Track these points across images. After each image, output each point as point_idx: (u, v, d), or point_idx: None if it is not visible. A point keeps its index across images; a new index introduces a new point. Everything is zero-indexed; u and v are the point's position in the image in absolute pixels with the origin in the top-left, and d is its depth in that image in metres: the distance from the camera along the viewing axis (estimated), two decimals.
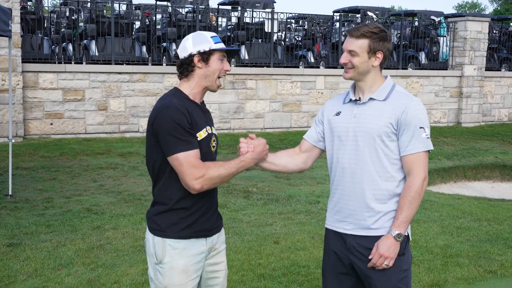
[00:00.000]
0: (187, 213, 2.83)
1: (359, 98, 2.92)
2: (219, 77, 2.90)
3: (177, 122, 2.70)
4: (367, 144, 2.83)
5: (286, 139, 12.15)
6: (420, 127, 2.80)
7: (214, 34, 2.90)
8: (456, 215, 7.37)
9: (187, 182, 2.71)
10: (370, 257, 2.81)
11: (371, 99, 2.88)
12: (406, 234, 2.90)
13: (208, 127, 2.89)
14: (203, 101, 2.99)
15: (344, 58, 2.88)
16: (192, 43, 2.84)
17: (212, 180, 2.74)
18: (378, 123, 2.81)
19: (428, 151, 2.85)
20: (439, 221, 7.04)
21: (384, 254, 2.77)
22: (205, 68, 2.86)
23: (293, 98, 14.64)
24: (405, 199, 2.79)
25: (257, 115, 14.14)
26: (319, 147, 3.10)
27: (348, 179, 2.89)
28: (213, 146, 2.91)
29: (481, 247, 6.06)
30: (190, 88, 2.89)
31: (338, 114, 2.96)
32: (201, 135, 2.82)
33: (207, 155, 2.85)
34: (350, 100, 2.95)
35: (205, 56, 2.84)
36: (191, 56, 2.84)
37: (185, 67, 2.87)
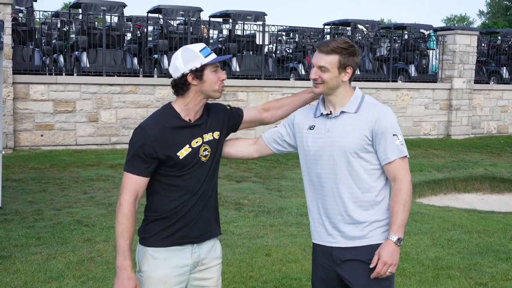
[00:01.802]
0: (169, 223, 2.84)
1: (330, 112, 2.93)
2: (221, 87, 2.88)
3: (138, 146, 2.78)
4: (343, 159, 2.85)
5: None
6: (394, 135, 2.83)
7: (202, 46, 2.86)
8: (446, 227, 7.38)
9: (120, 197, 2.83)
10: (371, 266, 2.80)
11: (342, 112, 2.90)
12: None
13: (196, 140, 2.86)
14: (205, 110, 2.94)
15: (314, 74, 2.87)
16: (183, 62, 2.80)
17: (117, 217, 2.81)
18: (353, 137, 2.84)
19: (406, 156, 2.88)
20: (430, 233, 7.05)
21: (388, 261, 2.76)
22: (200, 84, 2.83)
23: None
24: (398, 203, 2.80)
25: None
26: (271, 149, 3.13)
27: (328, 194, 2.90)
28: (204, 156, 2.89)
29: (472, 259, 6.07)
30: (184, 104, 2.87)
31: (311, 128, 2.97)
32: (183, 153, 2.82)
33: (198, 167, 2.86)
34: (322, 114, 2.96)
35: (198, 73, 2.81)
36: (184, 76, 2.81)
37: (180, 87, 2.85)
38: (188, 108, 2.88)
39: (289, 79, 16.59)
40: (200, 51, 2.82)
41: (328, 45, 2.85)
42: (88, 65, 13.71)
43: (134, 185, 2.81)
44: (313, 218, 3.01)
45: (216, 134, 2.96)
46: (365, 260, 2.84)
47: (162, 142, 2.79)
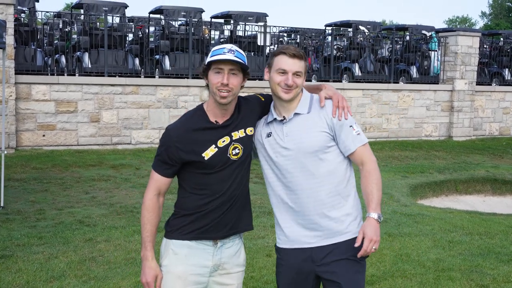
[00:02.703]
0: (194, 219, 2.87)
1: (284, 117, 2.96)
2: (219, 90, 2.81)
3: (163, 147, 2.87)
4: (311, 158, 2.90)
5: None
6: (350, 126, 2.92)
7: (223, 46, 2.84)
8: (448, 229, 7.39)
9: (145, 193, 2.92)
10: (356, 245, 2.81)
11: (296, 114, 2.95)
12: None
13: (223, 139, 2.86)
14: (236, 108, 2.93)
15: (291, 80, 2.89)
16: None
17: (141, 211, 2.92)
18: (315, 136, 2.90)
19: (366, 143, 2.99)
20: (431, 235, 7.06)
21: (373, 238, 2.80)
22: (208, 83, 2.87)
23: None
24: (371, 184, 2.88)
25: None
26: None
27: (302, 197, 2.92)
28: (235, 154, 2.89)
29: (473, 261, 6.08)
30: (207, 104, 2.93)
31: (269, 135, 3.00)
32: (208, 153, 2.83)
33: (228, 166, 2.86)
34: (275, 119, 2.98)
35: (204, 71, 2.86)
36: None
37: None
38: (211, 109, 2.89)
39: None
40: (214, 50, 2.84)
41: (298, 51, 2.92)
42: (90, 66, 13.74)
43: (156, 182, 2.90)
44: (285, 224, 3.00)
45: (249, 130, 2.96)
46: (348, 257, 2.90)
47: (186, 144, 2.82)
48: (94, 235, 6.62)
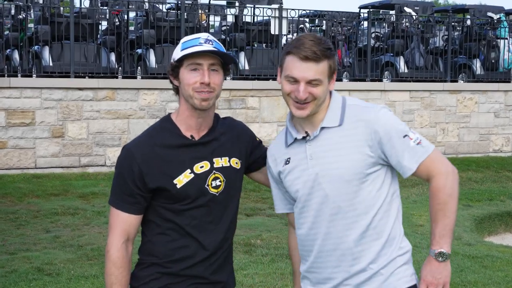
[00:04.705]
0: (166, 271, 2.85)
1: (307, 133, 2.86)
2: (198, 92, 2.78)
3: (123, 172, 2.82)
4: (340, 190, 2.81)
5: None
6: (404, 136, 2.78)
7: (194, 36, 2.83)
8: None
9: (108, 241, 2.88)
10: None
11: (323, 128, 2.84)
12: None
13: (201, 164, 2.84)
14: (218, 126, 2.93)
15: (304, 93, 2.73)
16: (172, 57, 2.86)
17: (106, 267, 2.83)
18: (348, 159, 2.79)
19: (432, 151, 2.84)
20: (504, 284, 7.00)
21: (432, 281, 2.79)
22: (180, 84, 2.85)
23: None
24: (435, 208, 2.81)
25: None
26: None
27: (326, 242, 2.87)
28: (214, 187, 2.86)
29: None
30: (177, 113, 2.90)
31: (287, 162, 2.91)
32: (181, 180, 2.81)
33: (205, 201, 2.84)
34: (295, 139, 2.89)
35: (174, 70, 2.85)
36: (166, 73, 2.89)
37: (173, 89, 2.92)
38: (181, 120, 2.87)
39: None
40: (185, 41, 2.82)
41: (315, 51, 2.72)
42: (51, 64, 13.80)
43: (122, 224, 2.84)
44: (306, 274, 3.01)
45: (235, 162, 2.93)
46: None
47: (153, 166, 2.79)
48: (58, 287, 6.60)
